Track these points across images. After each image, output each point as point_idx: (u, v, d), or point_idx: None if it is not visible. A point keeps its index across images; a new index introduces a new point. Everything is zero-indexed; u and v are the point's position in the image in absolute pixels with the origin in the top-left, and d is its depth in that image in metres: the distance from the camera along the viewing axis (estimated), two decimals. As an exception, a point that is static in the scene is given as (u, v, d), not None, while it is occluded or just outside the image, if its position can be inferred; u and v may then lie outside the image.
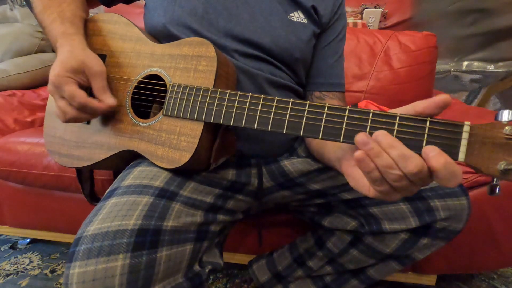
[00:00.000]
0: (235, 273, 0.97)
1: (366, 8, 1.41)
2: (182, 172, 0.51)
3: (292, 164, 0.62)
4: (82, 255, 0.37)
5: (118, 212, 0.40)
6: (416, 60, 1.10)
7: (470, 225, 0.56)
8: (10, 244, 1.11)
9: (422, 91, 1.14)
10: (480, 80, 1.48)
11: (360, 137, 0.32)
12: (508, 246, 0.74)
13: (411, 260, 0.61)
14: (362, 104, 1.06)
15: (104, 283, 0.35)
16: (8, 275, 0.95)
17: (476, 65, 1.46)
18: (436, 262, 0.78)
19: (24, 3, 1.51)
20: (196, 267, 0.48)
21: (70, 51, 0.48)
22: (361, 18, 1.41)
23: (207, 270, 0.50)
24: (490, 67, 1.45)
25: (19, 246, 1.10)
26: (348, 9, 1.43)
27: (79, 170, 0.67)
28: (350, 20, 1.38)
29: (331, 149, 0.48)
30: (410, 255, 0.60)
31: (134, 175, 0.48)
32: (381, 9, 1.41)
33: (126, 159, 0.55)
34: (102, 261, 0.36)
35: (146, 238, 0.39)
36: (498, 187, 0.31)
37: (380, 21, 1.43)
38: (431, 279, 0.85)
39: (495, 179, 0.31)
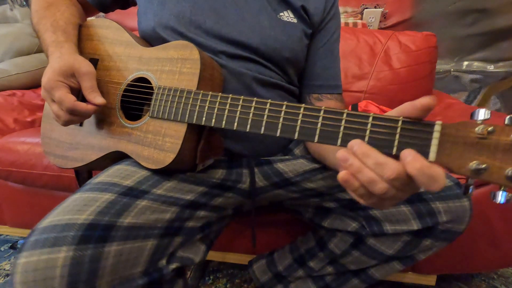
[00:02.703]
0: (235, 273, 0.97)
1: (366, 8, 1.41)
2: (167, 172, 0.51)
3: (287, 166, 0.62)
4: (29, 246, 0.37)
5: (74, 206, 0.41)
6: (416, 60, 1.10)
7: (470, 225, 0.56)
8: (10, 244, 1.11)
9: (422, 91, 1.14)
10: (480, 80, 1.48)
11: (341, 153, 0.32)
12: (508, 246, 0.74)
13: (413, 261, 0.61)
14: (362, 104, 1.06)
15: (44, 273, 0.36)
16: (8, 275, 0.95)
17: (476, 65, 1.46)
18: (436, 262, 0.78)
19: (25, 3, 1.51)
20: (162, 262, 0.48)
21: (60, 57, 0.50)
22: (361, 18, 1.41)
23: (173, 267, 0.49)
24: (490, 67, 1.45)
25: (19, 246, 1.10)
26: (348, 9, 1.43)
27: (77, 172, 0.68)
28: (350, 20, 1.38)
29: (331, 153, 0.48)
30: (413, 255, 0.60)
31: (108, 173, 0.49)
32: (381, 9, 1.41)
33: (117, 159, 0.56)
34: (45, 252, 0.36)
35: (94, 233, 0.39)
36: (471, 186, 0.31)
37: (380, 21, 1.43)
38: (431, 279, 0.85)
39: (469, 179, 0.31)
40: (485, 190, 0.69)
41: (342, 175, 0.33)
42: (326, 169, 0.61)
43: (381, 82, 1.11)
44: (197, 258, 0.56)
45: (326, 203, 0.64)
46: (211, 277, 0.95)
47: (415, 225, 0.55)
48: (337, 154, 0.33)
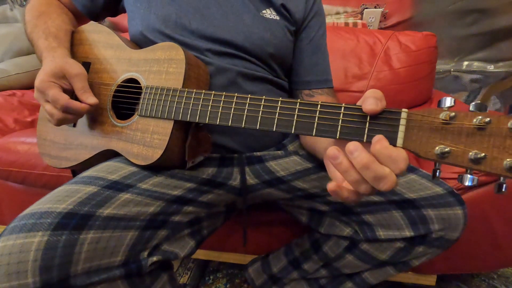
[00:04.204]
0: (235, 273, 0.97)
1: (366, 8, 1.41)
2: (156, 169, 0.52)
3: (279, 165, 0.62)
4: (8, 231, 0.39)
5: (56, 197, 0.43)
6: (416, 60, 1.10)
7: (470, 225, 0.56)
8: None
9: (422, 91, 1.14)
10: (480, 80, 1.48)
11: (331, 151, 0.33)
12: (508, 246, 0.74)
13: (407, 266, 0.61)
14: (362, 104, 1.06)
15: (18, 257, 0.37)
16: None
17: (476, 65, 1.46)
18: (436, 262, 0.78)
19: (24, 3, 1.51)
20: (144, 254, 0.49)
21: (52, 60, 0.52)
22: (361, 18, 1.41)
23: (153, 259, 0.50)
24: (490, 67, 1.45)
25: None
26: (348, 9, 1.43)
27: (74, 172, 0.69)
28: (350, 20, 1.38)
29: (322, 144, 0.49)
30: (406, 261, 0.60)
31: (96, 168, 0.51)
32: (381, 9, 1.41)
33: (109, 158, 0.57)
34: (21, 236, 0.38)
35: (71, 221, 0.40)
36: (438, 171, 0.32)
37: (380, 21, 1.43)
38: (431, 279, 0.85)
39: (436, 164, 0.32)
40: (485, 190, 0.69)
41: (331, 187, 0.34)
42: (319, 169, 0.61)
43: (381, 82, 1.11)
44: (182, 252, 0.56)
45: (318, 205, 0.64)
46: (211, 277, 0.95)
47: (407, 232, 0.55)
48: (327, 152, 0.33)
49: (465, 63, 1.48)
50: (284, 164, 0.62)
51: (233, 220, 0.73)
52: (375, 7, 1.41)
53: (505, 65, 1.43)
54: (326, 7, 1.42)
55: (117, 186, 0.47)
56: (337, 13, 1.43)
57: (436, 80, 1.23)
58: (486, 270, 0.96)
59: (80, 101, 0.51)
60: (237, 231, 0.85)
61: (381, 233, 0.57)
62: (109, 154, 0.56)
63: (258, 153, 0.63)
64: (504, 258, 0.76)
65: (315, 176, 0.61)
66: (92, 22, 0.66)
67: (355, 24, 1.36)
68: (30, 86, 1.29)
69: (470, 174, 0.30)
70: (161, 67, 0.52)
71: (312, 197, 0.63)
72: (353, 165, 0.32)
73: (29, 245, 0.37)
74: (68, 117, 0.50)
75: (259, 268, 0.80)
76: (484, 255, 0.76)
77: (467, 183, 0.30)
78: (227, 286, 0.92)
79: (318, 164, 0.61)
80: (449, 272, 0.83)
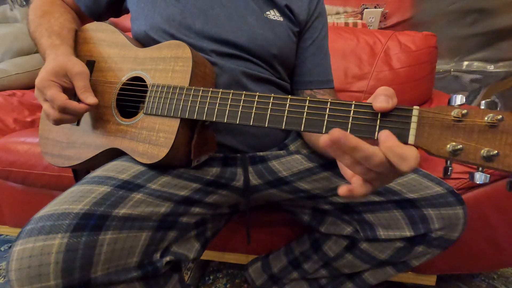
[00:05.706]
0: (235, 273, 0.97)
1: (366, 8, 1.41)
2: (162, 168, 0.52)
3: (282, 164, 0.62)
4: (25, 234, 0.39)
5: (70, 198, 0.42)
6: (416, 60, 1.10)
7: (470, 225, 0.56)
8: (10, 244, 1.11)
9: (422, 91, 1.14)
10: (480, 80, 1.48)
11: (325, 141, 0.30)
12: (508, 246, 0.74)
13: (407, 266, 0.61)
14: (362, 104, 1.06)
15: (40, 259, 0.36)
16: (8, 275, 0.95)
17: (476, 65, 1.46)
18: (436, 262, 0.78)
19: (25, 3, 1.51)
20: (156, 256, 0.49)
21: (54, 58, 0.51)
22: (361, 18, 1.41)
23: (167, 259, 0.50)
24: (490, 67, 1.45)
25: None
26: (348, 9, 1.43)
27: (75, 172, 0.69)
28: (350, 20, 1.38)
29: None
30: (406, 261, 0.60)
31: (105, 168, 0.50)
32: (381, 9, 1.41)
33: (112, 157, 0.56)
34: (40, 239, 0.37)
35: (89, 222, 0.40)
36: (450, 168, 0.32)
37: (380, 21, 1.43)
38: (431, 279, 0.85)
39: (448, 161, 0.32)
40: (485, 190, 0.69)
41: (342, 192, 0.32)
42: (321, 170, 0.61)
43: (381, 82, 1.11)
44: (190, 255, 0.56)
45: (320, 205, 0.64)
46: (211, 277, 0.95)
47: (407, 232, 0.56)
48: (320, 142, 0.31)
49: (465, 63, 1.48)
50: (286, 164, 0.62)
51: (235, 220, 0.73)
52: (375, 7, 1.41)
53: (505, 65, 1.43)
54: (326, 7, 1.41)
55: (128, 186, 0.47)
56: (337, 13, 1.43)
57: (436, 80, 1.23)
58: (486, 270, 0.95)
59: (80, 100, 0.51)
60: (239, 231, 0.85)
61: (382, 233, 0.58)
62: (113, 153, 0.55)
63: (261, 153, 0.63)
64: (504, 258, 0.76)
65: (317, 176, 0.61)
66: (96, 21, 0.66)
67: (355, 24, 1.36)
68: (30, 86, 1.29)
69: (482, 171, 0.30)
70: (167, 65, 0.52)
71: (314, 197, 0.63)
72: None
73: (50, 248, 0.37)
74: (66, 117, 0.50)
75: (259, 268, 0.80)
76: (484, 255, 0.76)
77: (479, 181, 0.30)
78: (227, 286, 0.92)
79: (320, 164, 0.61)
80: (449, 272, 0.83)
